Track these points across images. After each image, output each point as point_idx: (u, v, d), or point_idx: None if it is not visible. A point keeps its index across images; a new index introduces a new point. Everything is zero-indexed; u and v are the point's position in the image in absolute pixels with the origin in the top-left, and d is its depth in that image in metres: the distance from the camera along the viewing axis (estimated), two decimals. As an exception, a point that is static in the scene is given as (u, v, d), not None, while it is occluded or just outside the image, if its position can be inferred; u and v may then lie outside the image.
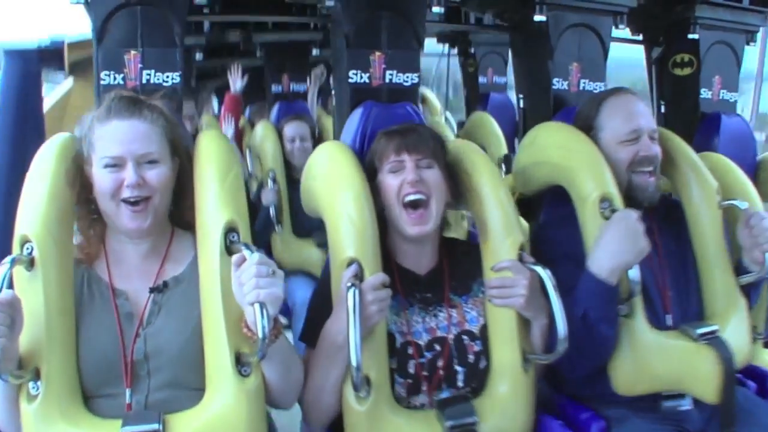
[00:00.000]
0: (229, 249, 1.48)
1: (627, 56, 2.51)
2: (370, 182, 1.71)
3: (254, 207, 3.18)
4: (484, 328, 1.73)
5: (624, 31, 2.41)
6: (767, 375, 1.98)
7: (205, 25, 3.05)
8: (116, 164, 1.49)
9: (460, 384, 1.69)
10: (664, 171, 1.91)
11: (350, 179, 1.69)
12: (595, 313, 1.69)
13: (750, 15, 2.26)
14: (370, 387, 1.59)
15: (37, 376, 1.41)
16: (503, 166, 3.31)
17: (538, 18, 2.01)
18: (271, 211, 3.22)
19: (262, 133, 3.53)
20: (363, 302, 1.54)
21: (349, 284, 1.55)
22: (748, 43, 2.28)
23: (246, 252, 1.40)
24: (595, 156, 1.81)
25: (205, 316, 1.48)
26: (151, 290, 1.53)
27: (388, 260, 1.71)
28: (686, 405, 1.78)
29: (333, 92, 2.11)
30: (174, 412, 1.44)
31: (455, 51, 4.38)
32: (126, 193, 1.48)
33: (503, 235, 1.71)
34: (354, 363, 1.50)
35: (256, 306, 1.34)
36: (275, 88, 3.83)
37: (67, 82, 3.82)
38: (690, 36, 2.18)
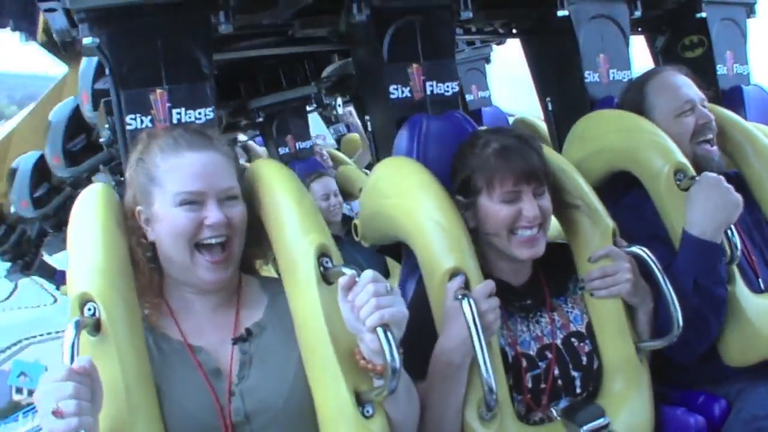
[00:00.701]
0: (324, 276, 1.31)
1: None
2: (460, 197, 1.60)
3: None
4: (590, 326, 1.63)
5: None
6: None
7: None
8: (195, 201, 1.31)
9: (578, 390, 1.58)
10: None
11: (433, 190, 1.59)
12: (708, 277, 1.63)
13: (750, -12, 2.34)
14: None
15: None
16: None
17: (561, 13, 1.99)
18: None
19: None
20: (478, 311, 1.40)
21: (460, 295, 1.41)
22: (748, 16, 2.35)
23: (351, 272, 1.24)
24: (656, 131, 1.79)
25: (309, 356, 1.30)
26: (234, 341, 1.34)
27: (483, 272, 1.58)
28: None
29: (367, 116, 1.99)
30: None
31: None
32: (207, 234, 1.31)
33: (593, 224, 1.64)
34: (487, 377, 1.36)
35: (380, 330, 1.17)
36: (282, 150, 3.71)
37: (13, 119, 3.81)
38: (698, 15, 2.22)
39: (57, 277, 7.26)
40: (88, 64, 3.20)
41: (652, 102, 1.89)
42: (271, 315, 1.39)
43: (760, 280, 1.80)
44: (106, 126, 2.58)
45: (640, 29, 2.41)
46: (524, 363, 1.54)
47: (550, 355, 1.57)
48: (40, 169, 4.76)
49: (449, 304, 1.45)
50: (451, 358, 1.43)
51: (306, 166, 3.65)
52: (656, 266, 1.55)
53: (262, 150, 4.64)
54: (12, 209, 5.44)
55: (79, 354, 1.14)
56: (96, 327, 1.23)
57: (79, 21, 1.62)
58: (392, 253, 2.79)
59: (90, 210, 1.37)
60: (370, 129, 2.01)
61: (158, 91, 1.67)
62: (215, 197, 1.32)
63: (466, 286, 1.47)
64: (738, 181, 1.91)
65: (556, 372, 1.56)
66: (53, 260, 6.88)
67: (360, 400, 1.26)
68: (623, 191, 1.90)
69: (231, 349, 1.33)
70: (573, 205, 1.65)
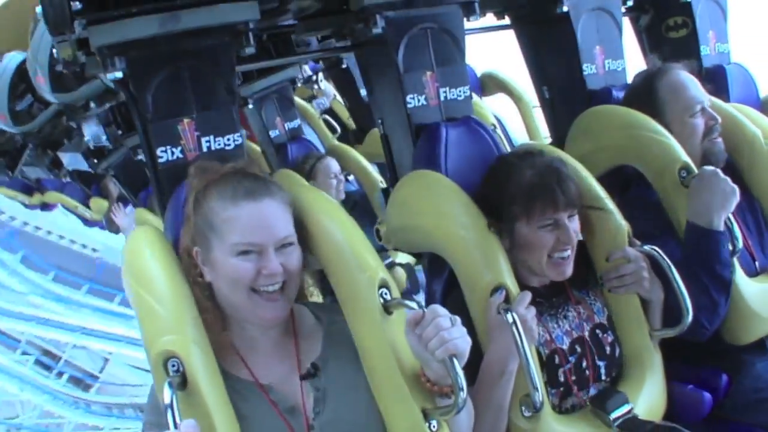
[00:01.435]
0: (385, 307, 1.41)
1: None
2: (492, 218, 1.67)
3: None
4: (610, 318, 1.78)
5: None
6: None
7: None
8: (253, 251, 1.36)
9: (603, 377, 1.74)
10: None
11: (467, 207, 1.68)
12: (714, 262, 1.78)
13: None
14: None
15: None
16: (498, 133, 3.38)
17: (560, 10, 2.05)
18: None
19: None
20: (522, 323, 1.53)
21: (503, 309, 1.53)
22: (728, -6, 2.46)
23: (416, 308, 1.35)
24: (660, 130, 1.90)
25: (377, 382, 1.41)
26: (303, 377, 1.43)
27: None
28: None
29: (380, 122, 2.04)
30: None
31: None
32: (264, 282, 1.37)
33: (609, 225, 1.76)
34: (536, 385, 1.51)
35: (447, 360, 1.29)
36: (273, 133, 3.67)
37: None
38: (682, 0, 2.31)
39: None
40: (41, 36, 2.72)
41: (663, 101, 1.99)
42: (330, 345, 1.47)
43: (756, 262, 1.97)
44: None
45: (624, 9, 2.47)
46: (557, 359, 1.69)
47: (579, 349, 1.72)
48: (24, 75, 3.56)
49: (493, 317, 1.58)
50: (501, 368, 1.57)
51: (301, 148, 3.67)
52: (668, 264, 1.70)
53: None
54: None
55: (179, 414, 1.22)
56: (183, 382, 1.29)
57: (101, 57, 1.60)
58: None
59: (148, 258, 1.41)
60: (383, 132, 2.06)
61: (186, 120, 1.67)
62: (273, 247, 1.37)
63: (508, 299, 1.59)
64: (732, 167, 2.06)
65: (585, 364, 1.71)
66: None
67: (426, 418, 1.38)
68: (626, 182, 2.03)
69: (301, 385, 1.42)
70: (591, 207, 1.76)
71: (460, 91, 1.96)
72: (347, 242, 1.46)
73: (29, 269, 17.69)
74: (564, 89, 2.23)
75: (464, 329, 1.33)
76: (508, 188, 1.68)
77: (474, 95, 3.40)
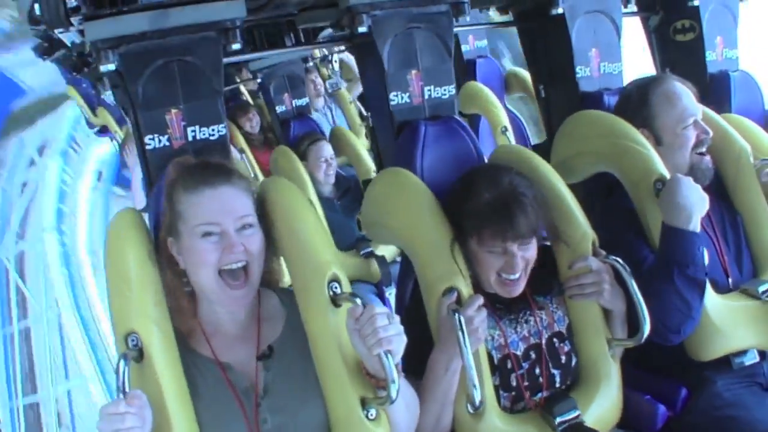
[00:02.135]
0: (334, 301, 1.50)
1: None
2: (452, 225, 1.72)
3: None
4: (570, 327, 1.82)
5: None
6: None
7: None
8: (214, 232, 1.47)
9: (557, 385, 1.79)
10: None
11: (425, 207, 1.73)
12: (688, 263, 1.78)
13: (741, -30, 2.37)
14: (481, 402, 1.66)
15: None
16: (507, 136, 3.39)
17: (555, 11, 2.06)
18: None
19: (284, 160, 3.49)
20: (468, 327, 1.60)
21: (452, 310, 1.60)
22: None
23: (358, 303, 1.43)
24: (641, 140, 1.90)
25: (323, 370, 1.50)
26: (258, 359, 1.53)
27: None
28: (753, 358, 1.93)
29: (369, 116, 2.10)
30: None
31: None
32: (226, 260, 1.47)
33: (573, 232, 1.79)
34: (473, 385, 1.57)
35: (382, 355, 1.38)
36: (279, 108, 3.77)
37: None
38: (690, 3, 2.27)
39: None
40: None
41: (655, 111, 1.98)
42: (290, 330, 1.56)
43: (729, 279, 1.96)
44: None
45: (636, 9, 2.45)
46: (509, 365, 1.74)
47: (533, 356, 1.76)
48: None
49: (442, 317, 1.65)
50: (446, 365, 1.64)
51: (303, 125, 3.74)
52: (628, 275, 1.72)
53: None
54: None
55: (128, 384, 1.37)
56: (139, 355, 1.44)
57: (94, 50, 1.71)
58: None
59: (123, 245, 1.53)
60: (371, 124, 2.13)
61: (173, 110, 1.78)
62: (233, 225, 1.48)
63: (459, 300, 1.66)
64: (718, 181, 2.06)
65: (538, 371, 1.76)
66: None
67: (365, 406, 1.48)
68: (608, 189, 2.04)
69: (256, 366, 1.52)
70: (557, 232, 1.78)
71: (444, 90, 2.00)
72: (304, 234, 1.55)
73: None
74: (558, 90, 2.24)
75: (400, 327, 1.41)
76: (465, 205, 1.71)
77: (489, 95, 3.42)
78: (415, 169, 1.89)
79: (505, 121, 3.50)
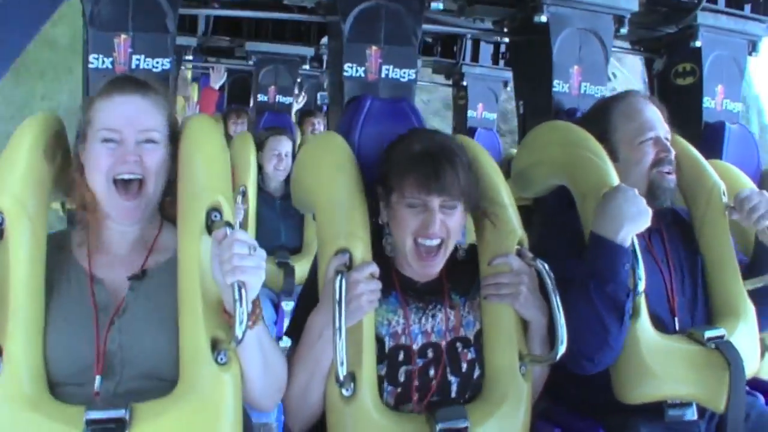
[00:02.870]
0: (210, 228, 1.39)
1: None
2: (379, 186, 1.61)
3: None
4: (479, 334, 1.63)
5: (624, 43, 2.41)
6: None
7: (199, 27, 3.05)
8: (114, 139, 1.42)
9: (453, 395, 1.59)
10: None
11: (343, 168, 1.62)
12: (608, 278, 1.59)
13: (752, 23, 2.25)
14: (355, 385, 1.49)
15: None
16: None
17: (538, 19, 1.98)
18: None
19: (240, 144, 3.48)
20: (352, 291, 1.45)
21: (336, 272, 1.47)
22: (750, 53, 2.26)
23: (227, 229, 1.32)
24: (598, 151, 1.76)
25: (181, 300, 1.38)
26: (130, 278, 1.44)
27: (386, 260, 1.62)
28: (691, 415, 1.68)
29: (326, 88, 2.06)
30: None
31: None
32: (121, 169, 1.41)
33: (500, 229, 1.64)
34: (338, 357, 1.40)
35: (235, 286, 1.25)
36: (261, 97, 3.82)
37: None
38: (692, 45, 2.16)
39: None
40: None
41: (615, 124, 1.85)
42: (174, 262, 1.46)
43: (676, 320, 1.75)
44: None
45: (641, 49, 2.35)
46: (401, 356, 1.57)
47: (430, 355, 1.58)
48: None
49: (328, 278, 1.51)
50: (321, 329, 1.49)
51: (276, 120, 3.73)
52: (552, 283, 1.53)
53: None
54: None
55: None
56: (0, 235, 1.37)
57: None
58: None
59: (24, 134, 1.49)
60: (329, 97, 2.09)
61: (122, 36, 1.79)
62: (134, 136, 1.42)
63: (350, 265, 1.52)
64: (686, 214, 1.89)
65: (432, 372, 1.58)
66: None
67: (217, 348, 1.34)
68: (572, 201, 1.88)
69: (126, 286, 1.44)
70: (485, 209, 1.65)
71: (404, 72, 1.93)
72: (201, 160, 1.47)
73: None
74: (535, 105, 2.14)
75: (261, 262, 1.29)
76: (393, 156, 1.60)
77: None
78: (353, 141, 1.81)
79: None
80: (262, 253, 1.31)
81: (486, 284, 1.62)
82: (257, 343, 1.38)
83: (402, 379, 1.56)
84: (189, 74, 5.22)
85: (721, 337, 1.69)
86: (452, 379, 1.58)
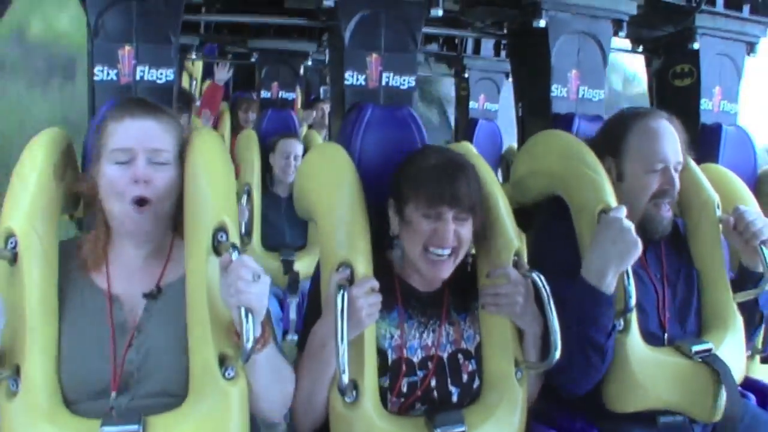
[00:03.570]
0: (216, 249, 1.44)
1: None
2: (392, 198, 1.66)
3: None
4: (480, 347, 1.69)
5: (625, 42, 2.41)
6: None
7: (201, 26, 3.06)
8: (126, 160, 1.46)
9: (455, 403, 1.65)
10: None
11: (344, 181, 1.66)
12: (589, 324, 1.64)
13: (750, 25, 2.25)
14: (357, 393, 1.55)
15: (17, 373, 1.37)
16: None
17: (537, 24, 2.00)
18: (242, 228, 3.23)
19: (245, 143, 3.53)
20: (353, 305, 1.50)
21: (338, 286, 1.51)
22: (748, 54, 2.27)
23: (233, 254, 1.37)
24: (596, 166, 1.78)
25: (190, 319, 1.44)
26: (145, 296, 1.49)
27: (390, 271, 1.68)
28: (682, 421, 1.74)
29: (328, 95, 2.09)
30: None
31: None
32: (131, 189, 1.45)
33: (498, 240, 1.68)
34: (340, 366, 1.45)
35: (242, 310, 1.31)
36: (264, 93, 3.84)
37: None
38: (690, 46, 2.17)
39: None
40: None
41: (629, 145, 1.81)
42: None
43: (666, 334, 1.79)
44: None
45: (641, 48, 2.37)
46: (403, 368, 1.63)
47: (431, 366, 1.64)
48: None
49: (330, 293, 1.56)
50: (323, 341, 1.55)
51: (278, 117, 3.76)
52: (547, 295, 1.58)
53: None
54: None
55: None
56: (14, 258, 1.42)
57: None
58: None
59: (34, 154, 1.53)
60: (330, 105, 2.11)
61: (126, 47, 1.81)
62: (145, 156, 1.46)
63: (351, 279, 1.56)
64: (680, 232, 1.91)
65: (433, 383, 1.63)
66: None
67: (225, 364, 1.40)
68: (566, 211, 1.91)
69: (142, 305, 1.48)
70: (482, 220, 1.69)
71: (404, 80, 1.96)
72: (206, 178, 1.51)
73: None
74: (533, 108, 2.16)
75: (265, 287, 1.35)
76: (409, 169, 1.65)
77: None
78: (354, 148, 1.84)
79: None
80: (266, 279, 1.36)
81: (484, 294, 1.67)
82: (266, 360, 1.45)
83: (405, 390, 1.62)
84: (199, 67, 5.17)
85: (709, 350, 1.73)
86: (452, 389, 1.65)
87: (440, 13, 1.92)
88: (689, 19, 2.16)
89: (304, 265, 3.16)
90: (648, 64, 2.38)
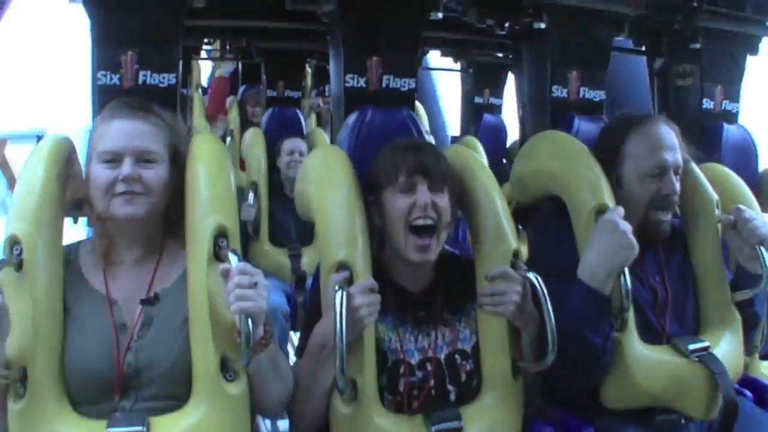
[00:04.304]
0: (217, 254, 1.47)
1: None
2: (371, 196, 1.68)
3: None
4: (477, 347, 1.71)
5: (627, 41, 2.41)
6: (765, 386, 1.94)
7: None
8: (113, 159, 1.49)
9: (452, 401, 1.67)
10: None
11: (341, 183, 1.68)
12: (586, 325, 1.65)
13: (752, 25, 2.24)
14: (356, 392, 1.57)
15: (24, 376, 1.41)
16: None
17: (537, 25, 2.00)
18: (249, 226, 3.28)
19: (252, 141, 3.55)
20: (352, 306, 1.52)
21: (338, 287, 1.53)
22: (750, 53, 2.26)
23: (232, 260, 1.40)
24: (594, 167, 1.79)
25: (192, 322, 1.47)
26: (142, 302, 1.52)
27: (382, 276, 1.68)
28: (679, 419, 1.75)
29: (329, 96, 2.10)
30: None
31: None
32: (119, 188, 1.47)
33: (496, 242, 1.69)
34: (338, 365, 1.47)
35: (240, 315, 1.34)
36: (270, 92, 3.86)
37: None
38: (692, 46, 2.16)
39: None
40: None
41: (629, 150, 1.82)
42: (182, 282, 1.53)
43: (664, 330, 1.80)
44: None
45: (643, 48, 2.36)
46: (402, 369, 1.65)
47: (429, 368, 1.66)
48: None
49: (329, 294, 1.58)
50: (323, 342, 1.57)
51: (281, 114, 3.79)
52: (544, 295, 1.59)
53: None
54: None
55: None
56: (20, 265, 1.45)
57: None
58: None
59: (37, 161, 1.56)
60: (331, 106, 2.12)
61: (129, 52, 1.82)
62: (132, 157, 1.49)
63: (352, 281, 1.58)
64: (681, 231, 1.91)
65: (432, 384, 1.65)
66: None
67: (226, 366, 1.44)
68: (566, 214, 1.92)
69: (139, 309, 1.51)
70: (480, 221, 1.71)
71: (404, 82, 1.97)
72: (205, 183, 1.53)
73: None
74: (534, 109, 2.17)
75: (264, 293, 1.38)
76: (379, 159, 1.69)
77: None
78: (353, 151, 1.86)
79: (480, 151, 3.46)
80: (265, 283, 1.39)
81: (482, 295, 1.68)
82: (267, 361, 1.48)
83: (401, 389, 1.64)
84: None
85: (705, 348, 1.74)
86: (450, 388, 1.67)
87: (440, 15, 1.92)
88: (691, 19, 2.15)
89: (311, 260, 3.20)
90: (650, 64, 2.37)
